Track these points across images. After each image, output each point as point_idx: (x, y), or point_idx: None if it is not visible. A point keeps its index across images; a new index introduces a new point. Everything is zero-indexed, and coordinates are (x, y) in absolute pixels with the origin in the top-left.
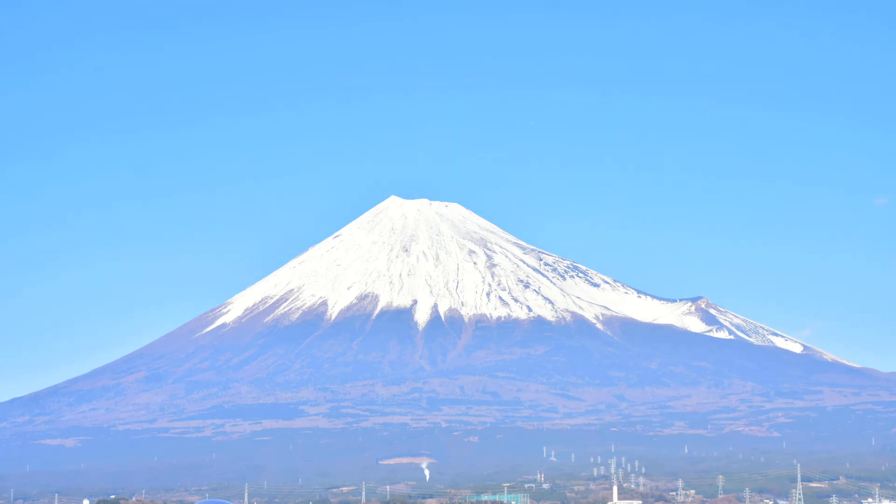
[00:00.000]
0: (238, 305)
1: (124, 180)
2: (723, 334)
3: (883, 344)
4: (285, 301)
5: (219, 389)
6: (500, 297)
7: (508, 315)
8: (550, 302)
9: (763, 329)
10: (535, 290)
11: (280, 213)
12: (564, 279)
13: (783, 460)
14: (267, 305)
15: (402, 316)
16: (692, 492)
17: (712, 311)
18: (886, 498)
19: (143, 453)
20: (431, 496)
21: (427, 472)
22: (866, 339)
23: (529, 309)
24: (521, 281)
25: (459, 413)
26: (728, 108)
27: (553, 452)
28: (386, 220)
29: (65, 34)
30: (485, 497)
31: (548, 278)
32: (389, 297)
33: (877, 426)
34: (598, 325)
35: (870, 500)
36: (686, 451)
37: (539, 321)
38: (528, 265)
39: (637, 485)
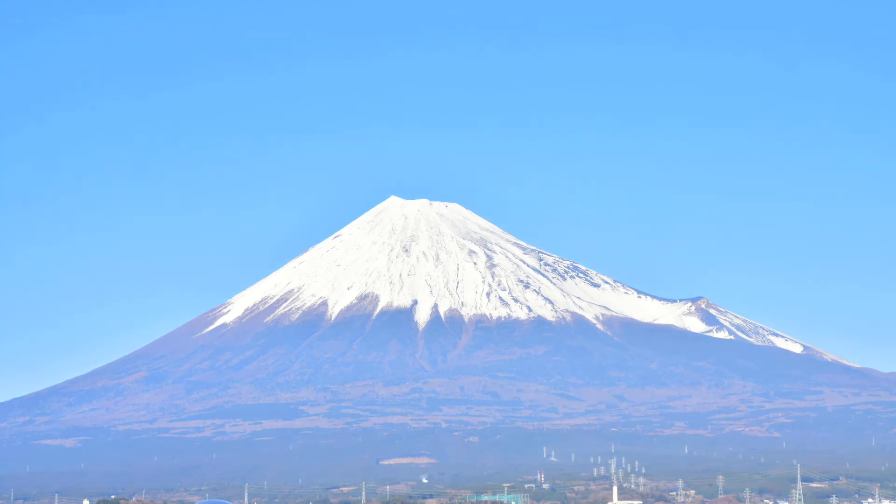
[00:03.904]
0: (238, 305)
1: (124, 180)
2: (723, 334)
3: (883, 344)
4: (285, 301)
5: (219, 389)
6: (500, 298)
7: (508, 315)
8: (550, 302)
9: (763, 329)
10: (535, 290)
11: (280, 213)
12: (564, 279)
13: (783, 460)
14: (267, 305)
15: (402, 316)
16: (692, 492)
17: (712, 311)
18: (886, 498)
19: (143, 453)
20: (431, 496)
21: (426, 481)
22: (866, 339)
23: (529, 309)
24: (521, 281)
25: (459, 413)
26: (728, 109)
27: (553, 452)
28: (386, 221)
29: (55, 32)
30: (485, 497)
31: (548, 278)
32: (389, 297)
33: (877, 426)
34: (598, 325)
35: (870, 500)
36: (686, 451)
37: (539, 321)
38: (528, 265)
39: (637, 485)
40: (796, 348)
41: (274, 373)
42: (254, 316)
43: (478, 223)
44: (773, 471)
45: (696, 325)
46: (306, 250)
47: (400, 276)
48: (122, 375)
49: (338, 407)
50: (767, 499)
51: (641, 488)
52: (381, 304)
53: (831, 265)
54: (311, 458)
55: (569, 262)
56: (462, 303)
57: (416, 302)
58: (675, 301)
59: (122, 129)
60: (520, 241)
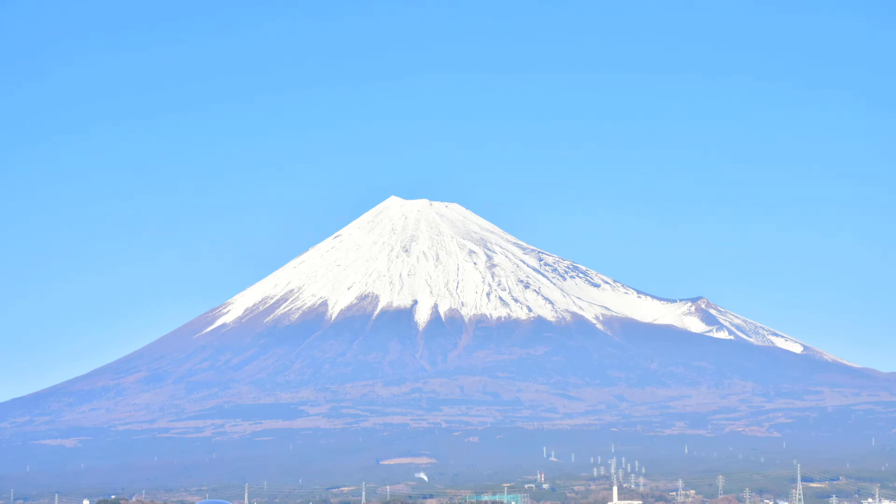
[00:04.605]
0: (238, 305)
1: (124, 180)
2: (723, 334)
3: (883, 344)
4: (285, 301)
5: (219, 389)
6: (500, 298)
7: (508, 315)
8: (550, 302)
9: (763, 329)
10: (535, 290)
11: (280, 213)
12: (564, 279)
13: (783, 460)
14: (267, 306)
15: (402, 316)
16: (692, 492)
17: (712, 311)
18: (886, 498)
19: (143, 453)
20: (431, 496)
21: (425, 477)
22: (866, 339)
23: (529, 309)
24: (521, 281)
25: (459, 413)
26: (728, 107)
27: (553, 452)
28: (386, 221)
29: (55, 30)
30: (485, 497)
31: (548, 278)
32: (390, 297)
33: (877, 426)
34: (598, 325)
35: (870, 500)
36: (686, 451)
37: (539, 321)
38: (528, 265)
39: (637, 485)
40: (796, 348)
41: (274, 373)
42: (254, 316)
43: (478, 223)
44: (772, 471)
45: (696, 325)
46: (306, 250)
47: (400, 276)
48: (122, 375)
49: (338, 407)
50: (767, 499)
51: (641, 488)
52: (381, 304)
53: (831, 265)
54: (311, 458)
55: (569, 262)
56: (462, 303)
57: (416, 302)
58: (674, 301)
59: (123, 129)
60: (520, 241)
